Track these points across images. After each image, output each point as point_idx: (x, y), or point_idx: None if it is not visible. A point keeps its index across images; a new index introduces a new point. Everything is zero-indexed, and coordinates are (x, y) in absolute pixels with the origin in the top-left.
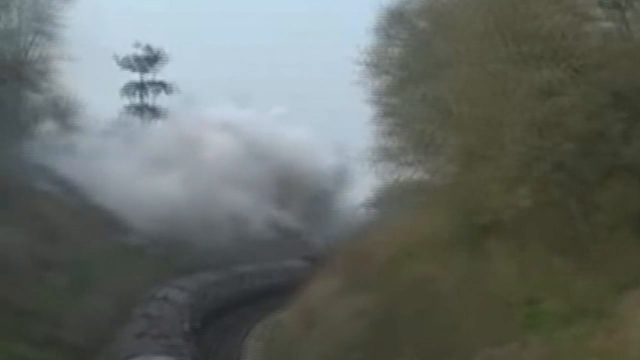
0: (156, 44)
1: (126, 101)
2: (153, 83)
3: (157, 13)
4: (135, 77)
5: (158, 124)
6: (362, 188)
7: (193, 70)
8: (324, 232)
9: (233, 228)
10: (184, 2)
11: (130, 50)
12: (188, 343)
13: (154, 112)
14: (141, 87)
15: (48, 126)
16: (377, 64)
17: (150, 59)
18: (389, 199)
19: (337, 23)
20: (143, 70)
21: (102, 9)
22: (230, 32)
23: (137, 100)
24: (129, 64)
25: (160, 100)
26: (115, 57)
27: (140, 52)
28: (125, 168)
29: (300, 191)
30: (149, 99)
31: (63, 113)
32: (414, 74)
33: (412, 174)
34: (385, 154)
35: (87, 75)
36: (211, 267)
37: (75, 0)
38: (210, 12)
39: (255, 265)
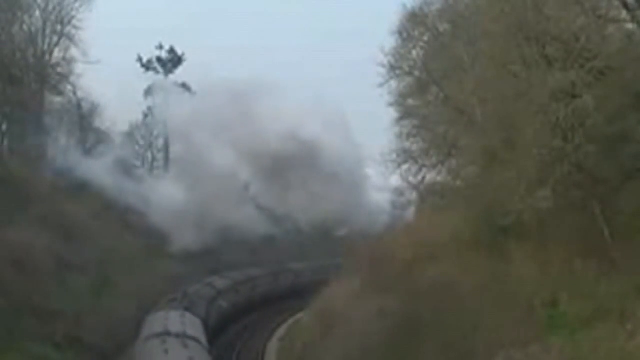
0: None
1: (150, 103)
2: (176, 85)
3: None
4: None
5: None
6: (384, 190)
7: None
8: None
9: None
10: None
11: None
12: (209, 310)
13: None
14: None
15: (71, 128)
16: (399, 66)
17: (174, 61)
18: (410, 201)
19: (359, 24)
20: (167, 72)
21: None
22: (248, 32)
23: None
24: (152, 66)
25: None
26: (139, 59)
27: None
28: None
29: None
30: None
31: (85, 115)
32: (436, 76)
33: (434, 175)
34: (407, 156)
35: (109, 77)
36: (257, 264)
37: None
38: (225, 12)
39: (308, 262)
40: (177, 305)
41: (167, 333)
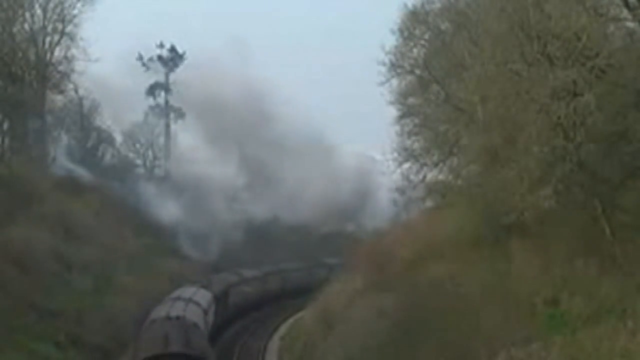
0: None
1: (151, 102)
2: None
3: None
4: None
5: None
6: (386, 188)
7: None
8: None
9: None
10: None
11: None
12: (228, 291)
13: (179, 112)
14: (166, 88)
15: (72, 127)
16: (400, 64)
17: (175, 60)
18: (411, 199)
19: (360, 23)
20: (169, 70)
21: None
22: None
23: (162, 100)
24: (153, 64)
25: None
26: (140, 58)
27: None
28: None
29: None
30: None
31: (86, 114)
32: (437, 74)
33: (435, 174)
34: (408, 155)
35: (110, 76)
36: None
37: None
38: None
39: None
40: (196, 284)
41: (178, 298)
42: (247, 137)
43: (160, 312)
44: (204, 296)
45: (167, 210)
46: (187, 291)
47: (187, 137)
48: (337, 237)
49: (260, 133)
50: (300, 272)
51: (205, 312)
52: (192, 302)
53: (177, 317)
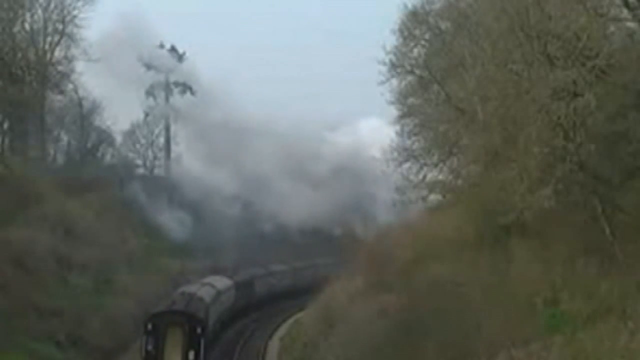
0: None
1: (151, 102)
2: (178, 84)
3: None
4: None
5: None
6: (385, 188)
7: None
8: None
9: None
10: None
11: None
12: (253, 281)
13: (179, 113)
14: (166, 88)
15: (71, 127)
16: (400, 64)
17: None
18: (412, 199)
19: (362, 24)
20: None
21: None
22: (249, 32)
23: (162, 101)
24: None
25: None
26: (140, 58)
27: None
28: None
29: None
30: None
31: (86, 114)
32: (437, 74)
33: (435, 174)
34: (408, 155)
35: (110, 76)
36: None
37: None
38: (228, 12)
39: None
40: (222, 273)
41: (197, 282)
42: (237, 141)
43: (179, 290)
44: (222, 282)
45: (170, 211)
46: (210, 278)
47: (185, 138)
48: (345, 238)
49: (252, 137)
50: (328, 267)
51: (219, 292)
52: (208, 285)
53: (189, 293)
